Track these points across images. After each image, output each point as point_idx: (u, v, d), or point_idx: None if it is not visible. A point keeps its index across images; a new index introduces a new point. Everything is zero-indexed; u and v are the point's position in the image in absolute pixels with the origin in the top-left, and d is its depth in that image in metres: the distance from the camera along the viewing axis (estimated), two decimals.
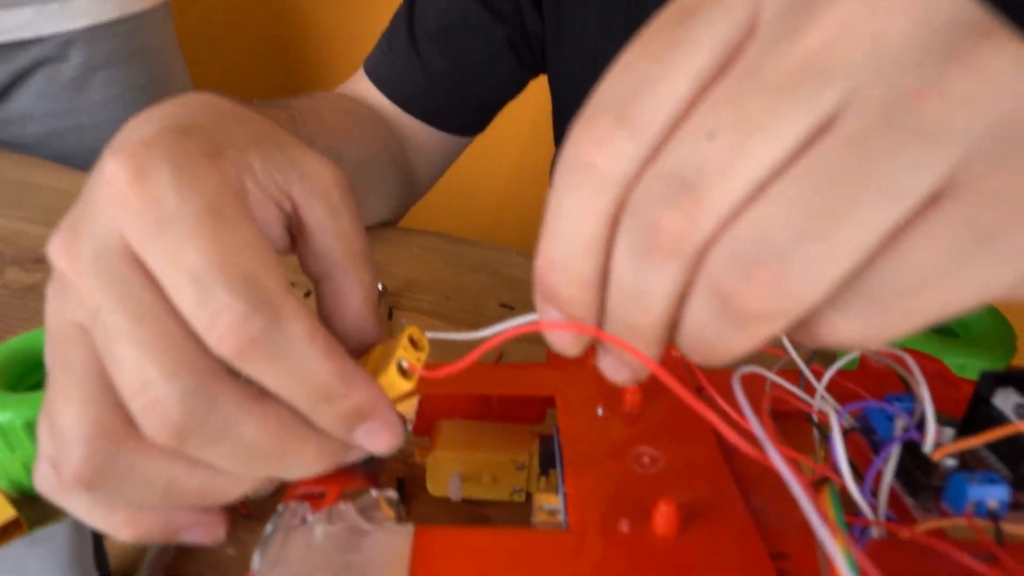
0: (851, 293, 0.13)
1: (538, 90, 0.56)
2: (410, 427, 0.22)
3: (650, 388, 0.25)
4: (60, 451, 0.17)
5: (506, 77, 0.52)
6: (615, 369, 0.18)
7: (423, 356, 0.21)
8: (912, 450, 0.21)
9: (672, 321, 0.15)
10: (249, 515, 0.27)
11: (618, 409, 0.25)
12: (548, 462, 0.25)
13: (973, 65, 0.12)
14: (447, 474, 0.26)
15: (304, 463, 0.19)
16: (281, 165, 0.21)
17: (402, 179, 0.51)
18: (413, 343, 0.21)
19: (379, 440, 0.19)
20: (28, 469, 0.27)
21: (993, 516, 0.19)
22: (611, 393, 0.25)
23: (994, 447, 0.22)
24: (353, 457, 0.20)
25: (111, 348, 0.17)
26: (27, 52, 0.64)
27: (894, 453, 0.20)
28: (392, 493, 0.21)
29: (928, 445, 0.20)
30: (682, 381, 0.16)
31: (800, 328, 0.15)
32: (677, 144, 0.14)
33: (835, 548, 0.16)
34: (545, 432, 0.26)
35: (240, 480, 0.19)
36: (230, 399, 0.17)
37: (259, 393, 0.18)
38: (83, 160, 0.56)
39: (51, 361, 0.19)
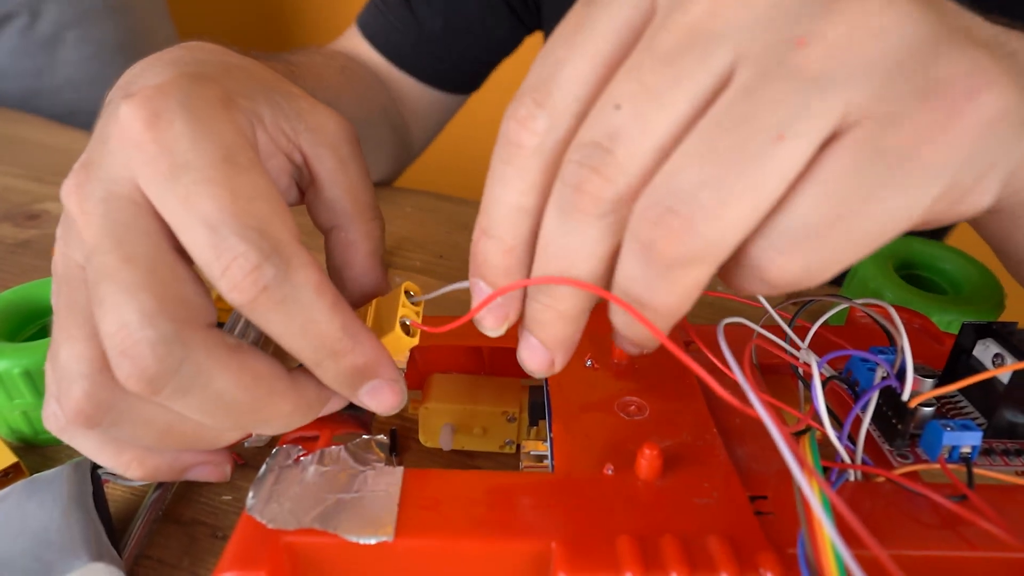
0: (782, 231, 0.14)
1: (535, 48, 0.55)
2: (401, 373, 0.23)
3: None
4: (62, 388, 0.18)
5: (502, 35, 0.52)
6: (531, 353, 0.18)
7: (419, 310, 0.21)
8: (891, 398, 0.21)
9: (599, 283, 0.16)
10: (245, 463, 0.27)
11: (607, 361, 0.25)
12: (537, 412, 0.25)
13: (848, 10, 0.14)
14: (438, 425, 0.27)
15: (279, 418, 0.19)
16: (290, 116, 0.21)
17: (397, 138, 0.50)
18: (408, 297, 0.21)
19: (383, 399, 0.20)
20: (27, 417, 0.27)
21: (966, 461, 0.20)
22: (601, 345, 0.26)
23: (970, 395, 0.22)
24: (329, 410, 0.20)
25: (98, 288, 0.17)
26: None
27: (873, 400, 0.20)
28: (383, 438, 0.21)
29: (906, 393, 0.20)
30: (672, 336, 0.17)
31: (748, 273, 0.15)
32: (591, 117, 0.15)
33: (810, 490, 0.16)
34: (535, 384, 0.27)
35: (229, 432, 0.19)
36: (204, 349, 0.17)
37: (236, 346, 0.18)
38: (61, 122, 0.56)
39: (56, 301, 0.19)
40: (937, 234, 0.57)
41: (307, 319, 0.18)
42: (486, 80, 0.54)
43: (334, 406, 0.20)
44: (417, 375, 0.28)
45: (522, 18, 0.51)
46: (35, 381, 0.26)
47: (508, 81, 0.55)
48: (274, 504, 0.18)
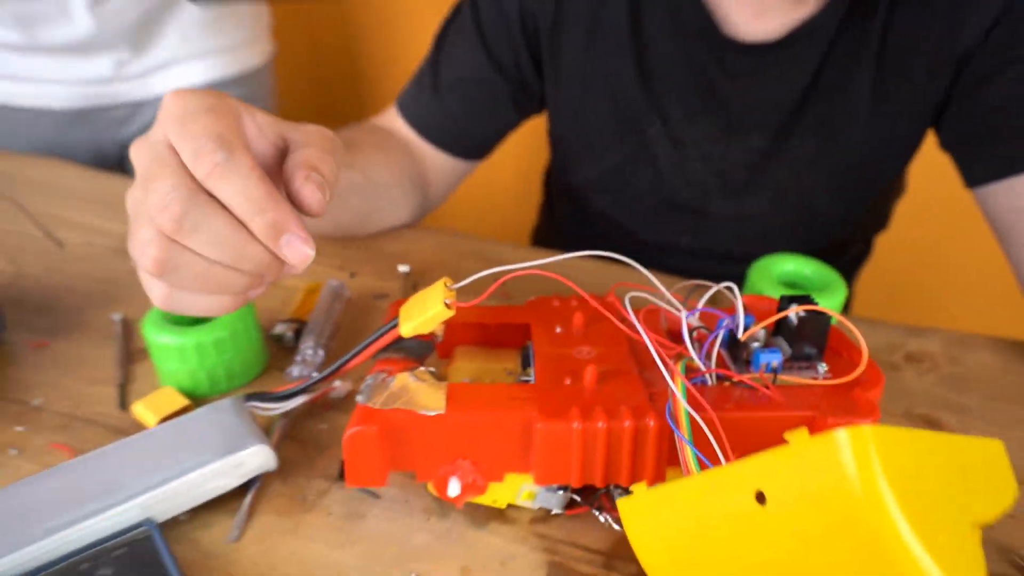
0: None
1: (536, 125, 0.71)
2: (440, 338, 0.37)
3: (592, 314, 0.40)
4: (140, 254, 0.31)
5: (507, 120, 0.67)
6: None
7: (453, 295, 0.35)
8: (733, 337, 0.36)
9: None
10: (333, 407, 0.42)
11: (569, 328, 0.40)
12: (527, 361, 0.39)
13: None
14: (461, 379, 0.41)
15: (255, 256, 0.30)
16: (282, 123, 0.34)
17: (418, 194, 0.65)
18: (447, 286, 0.35)
19: (296, 249, 0.30)
20: (194, 377, 0.41)
21: (773, 371, 0.34)
22: (566, 318, 0.40)
23: (784, 335, 0.36)
24: (289, 270, 0.32)
25: (148, 184, 0.30)
26: (155, 108, 0.79)
27: (720, 335, 0.35)
28: (432, 369, 0.36)
29: (739, 332, 0.35)
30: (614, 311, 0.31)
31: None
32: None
33: (671, 379, 0.31)
34: (524, 346, 0.41)
35: (235, 273, 0.31)
36: (207, 203, 0.30)
37: (223, 206, 0.31)
38: None
39: (129, 204, 0.33)
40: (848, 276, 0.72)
41: (243, 185, 0.29)
42: (495, 150, 0.70)
43: (290, 268, 0.32)
44: (446, 347, 0.42)
45: (524, 107, 0.67)
46: (199, 352, 0.41)
47: (505, 147, 0.71)
48: (375, 399, 0.33)
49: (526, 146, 0.84)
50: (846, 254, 0.73)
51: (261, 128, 0.34)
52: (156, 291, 0.32)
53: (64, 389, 0.43)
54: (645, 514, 0.29)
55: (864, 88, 0.57)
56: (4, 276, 0.54)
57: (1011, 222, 0.52)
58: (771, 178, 0.63)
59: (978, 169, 0.54)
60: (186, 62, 0.81)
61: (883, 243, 0.77)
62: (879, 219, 0.72)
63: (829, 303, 0.46)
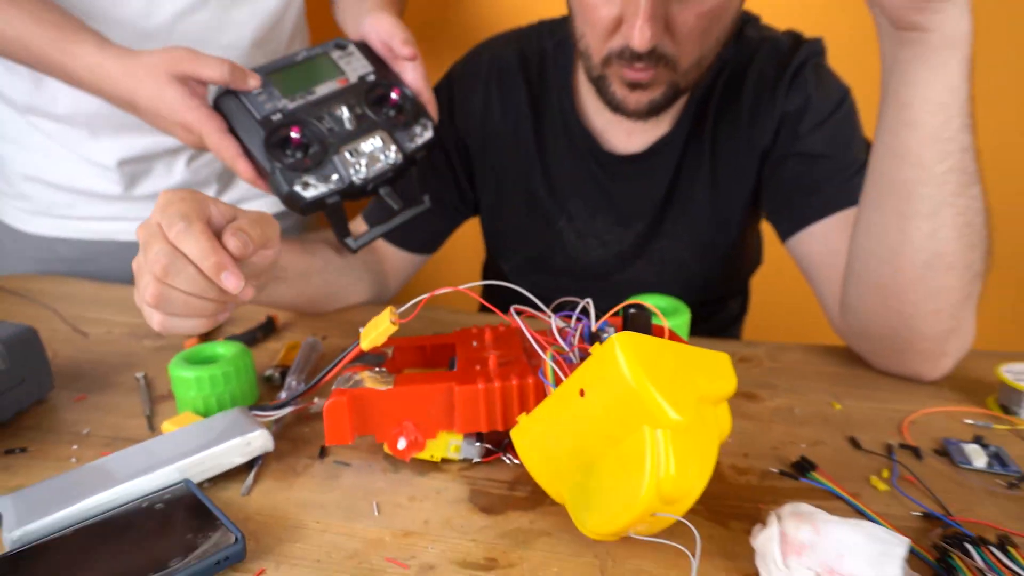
0: None
1: (473, 222, 0.90)
2: (390, 354, 0.53)
3: (498, 334, 0.56)
4: (143, 290, 0.48)
5: (450, 221, 0.86)
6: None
7: (396, 316, 0.51)
8: (593, 334, 0.52)
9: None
10: (311, 418, 0.56)
11: (482, 342, 0.55)
12: (452, 367, 0.55)
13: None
14: None
15: (211, 288, 0.48)
16: (236, 209, 0.52)
17: (376, 280, 0.82)
18: (392, 313, 0.51)
19: (231, 281, 0.47)
20: (206, 402, 0.55)
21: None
22: (480, 338, 0.56)
23: (625, 328, 0.53)
24: (244, 298, 0.50)
25: (145, 249, 0.48)
26: None
27: (581, 327, 0.51)
28: (384, 368, 0.51)
29: (593, 325, 0.51)
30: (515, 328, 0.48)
31: None
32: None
33: (544, 354, 0.47)
34: (453, 359, 0.57)
35: (207, 301, 0.49)
36: (180, 258, 0.47)
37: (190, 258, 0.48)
38: None
39: (135, 265, 0.49)
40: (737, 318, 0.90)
41: (195, 243, 0.46)
42: (443, 245, 0.88)
43: (241, 298, 0.51)
44: (395, 365, 0.57)
45: (462, 211, 0.86)
46: (211, 382, 0.55)
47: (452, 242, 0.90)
48: (346, 386, 0.48)
49: (471, 237, 1.02)
50: (727, 304, 0.91)
51: (221, 211, 0.51)
52: (155, 318, 0.49)
53: (105, 423, 0.56)
54: (527, 433, 0.44)
55: (705, 182, 0.78)
56: None
57: (808, 263, 0.71)
58: (653, 252, 0.82)
59: (784, 227, 0.74)
60: (255, 200, 0.95)
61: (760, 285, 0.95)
62: (742, 275, 0.92)
63: (677, 320, 0.63)
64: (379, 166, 0.64)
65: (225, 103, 0.63)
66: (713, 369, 0.42)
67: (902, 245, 0.54)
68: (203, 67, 0.60)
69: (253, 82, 0.62)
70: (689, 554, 0.39)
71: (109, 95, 0.64)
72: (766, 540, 0.38)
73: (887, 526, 0.42)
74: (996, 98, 1.10)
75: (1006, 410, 0.56)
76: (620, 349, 0.38)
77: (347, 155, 0.63)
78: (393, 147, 0.65)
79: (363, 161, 0.64)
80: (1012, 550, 0.38)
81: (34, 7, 0.64)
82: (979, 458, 0.49)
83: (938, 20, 0.46)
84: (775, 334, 0.95)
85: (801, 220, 0.71)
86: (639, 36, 0.60)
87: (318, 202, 0.62)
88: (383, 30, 0.68)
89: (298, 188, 0.61)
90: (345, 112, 0.65)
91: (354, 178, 0.63)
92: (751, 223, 0.83)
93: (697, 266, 0.82)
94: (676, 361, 0.40)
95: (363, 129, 0.65)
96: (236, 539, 0.40)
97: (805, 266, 0.72)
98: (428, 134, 0.68)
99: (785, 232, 0.74)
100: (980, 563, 0.38)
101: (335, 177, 0.62)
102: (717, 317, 0.91)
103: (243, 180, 0.65)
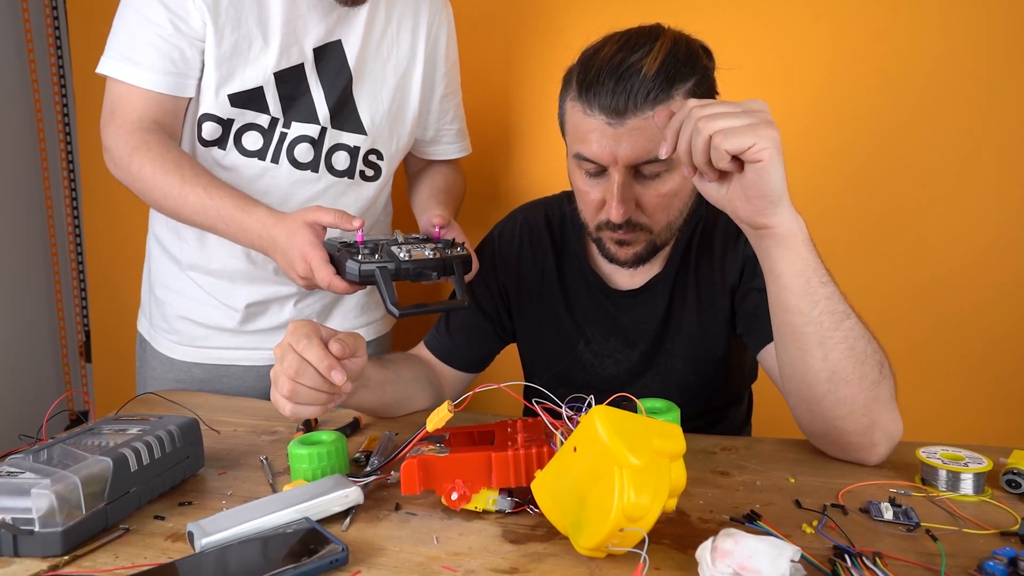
0: None
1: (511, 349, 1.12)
2: (448, 436, 0.73)
3: (530, 424, 0.76)
4: (279, 387, 0.71)
5: (492, 348, 1.09)
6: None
7: (452, 406, 0.72)
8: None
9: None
10: (388, 486, 0.76)
11: (515, 429, 0.75)
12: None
13: None
14: None
15: (325, 383, 0.72)
16: (336, 331, 0.76)
17: (434, 392, 1.04)
18: (449, 404, 0.72)
19: (338, 376, 0.72)
20: (314, 473, 0.76)
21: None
22: (513, 426, 0.76)
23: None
24: (345, 390, 0.74)
25: (281, 360, 0.72)
26: None
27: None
28: (442, 446, 0.71)
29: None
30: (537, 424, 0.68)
31: None
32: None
33: (557, 433, 0.67)
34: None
35: (323, 393, 0.73)
36: (306, 364, 0.71)
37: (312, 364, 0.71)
38: None
39: (272, 373, 0.74)
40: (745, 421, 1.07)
41: (315, 353, 0.71)
42: (488, 366, 1.10)
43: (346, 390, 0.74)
44: (453, 444, 0.77)
45: (503, 339, 1.10)
46: (319, 457, 0.76)
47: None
48: (414, 454, 0.68)
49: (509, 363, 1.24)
50: (728, 413, 1.08)
51: (328, 332, 0.75)
52: (287, 407, 0.73)
53: (243, 489, 0.77)
54: (542, 483, 0.62)
55: (693, 310, 0.99)
56: None
57: (772, 375, 0.89)
58: (658, 366, 1.02)
59: (753, 344, 0.93)
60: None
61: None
62: (737, 386, 1.09)
63: (669, 416, 0.81)
64: (421, 258, 0.88)
65: (328, 246, 0.90)
66: (666, 434, 0.61)
67: (805, 369, 0.73)
68: (323, 214, 0.89)
69: (356, 223, 0.88)
70: (645, 556, 0.56)
71: (264, 240, 0.92)
72: (703, 550, 0.55)
73: (784, 539, 0.57)
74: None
75: (925, 482, 0.71)
76: (597, 416, 0.57)
77: (397, 247, 0.88)
78: (433, 249, 0.90)
79: (410, 252, 0.88)
80: (880, 562, 0.54)
81: (210, 182, 0.96)
82: (888, 512, 0.64)
83: (776, 219, 0.69)
84: (780, 431, 1.11)
85: (761, 340, 0.90)
86: (615, 213, 0.84)
87: (371, 274, 0.85)
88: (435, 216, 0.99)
89: (359, 262, 0.85)
90: (401, 237, 0.92)
91: (400, 256, 0.87)
92: (735, 342, 1.02)
93: (695, 377, 1.01)
94: (637, 427, 0.59)
95: (413, 241, 0.91)
96: (342, 548, 0.59)
97: (771, 376, 0.90)
98: (463, 251, 0.93)
99: (753, 350, 0.92)
100: (854, 571, 0.53)
101: (386, 257, 0.87)
102: (722, 425, 1.08)
103: (336, 292, 0.90)
